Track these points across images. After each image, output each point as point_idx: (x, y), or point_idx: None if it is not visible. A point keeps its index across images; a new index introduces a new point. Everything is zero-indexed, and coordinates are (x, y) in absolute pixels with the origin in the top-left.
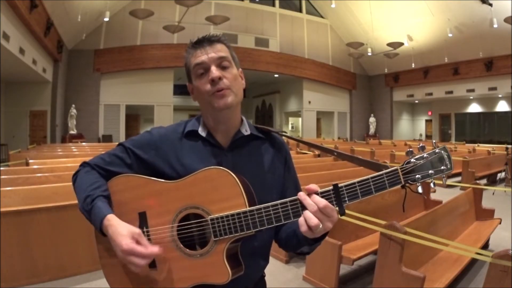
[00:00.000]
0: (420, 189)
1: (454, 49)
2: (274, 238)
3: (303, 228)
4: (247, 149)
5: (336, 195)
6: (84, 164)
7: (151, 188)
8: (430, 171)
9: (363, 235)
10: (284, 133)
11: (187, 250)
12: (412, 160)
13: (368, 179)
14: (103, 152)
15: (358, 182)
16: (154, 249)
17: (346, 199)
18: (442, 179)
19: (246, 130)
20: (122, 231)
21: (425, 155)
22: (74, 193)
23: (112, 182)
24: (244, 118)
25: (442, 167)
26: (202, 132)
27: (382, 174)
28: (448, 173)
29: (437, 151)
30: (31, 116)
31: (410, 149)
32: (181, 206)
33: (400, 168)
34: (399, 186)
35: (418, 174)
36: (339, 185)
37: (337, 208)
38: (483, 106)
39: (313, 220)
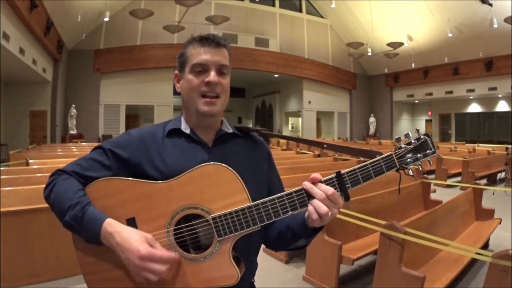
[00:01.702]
0: (411, 172)
1: (454, 49)
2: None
3: (314, 216)
4: (231, 146)
5: (339, 182)
6: (58, 172)
7: (138, 191)
8: (418, 155)
9: (363, 235)
10: (265, 131)
11: (188, 254)
12: (402, 146)
13: (367, 165)
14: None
15: (359, 168)
16: (172, 254)
17: (349, 184)
18: (428, 162)
19: (228, 128)
20: (133, 236)
21: (412, 141)
22: (51, 205)
23: (91, 188)
24: (223, 119)
25: (428, 151)
26: (185, 129)
27: (379, 160)
28: (433, 157)
29: (421, 137)
30: (31, 116)
31: (399, 137)
32: (176, 208)
33: (394, 153)
34: (394, 170)
35: (409, 158)
36: (342, 172)
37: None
38: (483, 106)
39: (324, 208)
